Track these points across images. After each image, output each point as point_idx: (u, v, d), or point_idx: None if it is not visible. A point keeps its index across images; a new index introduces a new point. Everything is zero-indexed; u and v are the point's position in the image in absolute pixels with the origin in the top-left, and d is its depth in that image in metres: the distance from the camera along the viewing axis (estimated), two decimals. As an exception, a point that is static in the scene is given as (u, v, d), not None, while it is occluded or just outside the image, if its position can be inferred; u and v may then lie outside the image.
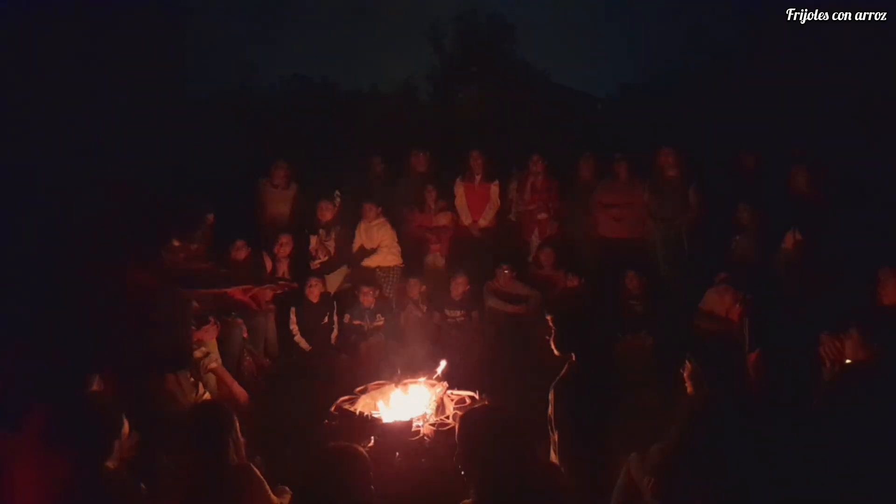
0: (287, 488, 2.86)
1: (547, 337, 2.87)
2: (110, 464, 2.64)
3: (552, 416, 2.66)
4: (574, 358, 2.76)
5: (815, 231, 5.27)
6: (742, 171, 6.26)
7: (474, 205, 6.83)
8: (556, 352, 2.83)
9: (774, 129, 7.14)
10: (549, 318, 2.83)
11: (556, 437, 2.62)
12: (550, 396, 2.72)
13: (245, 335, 5.40)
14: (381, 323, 6.17)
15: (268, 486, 2.65)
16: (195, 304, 4.09)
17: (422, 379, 4.38)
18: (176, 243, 3.67)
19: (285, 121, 11.14)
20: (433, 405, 4.10)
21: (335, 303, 6.26)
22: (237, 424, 2.73)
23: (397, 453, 3.71)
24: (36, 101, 5.43)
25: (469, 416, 2.47)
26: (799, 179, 5.77)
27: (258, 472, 2.65)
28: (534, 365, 5.40)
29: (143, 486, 2.70)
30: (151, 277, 3.45)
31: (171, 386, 3.54)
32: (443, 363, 4.39)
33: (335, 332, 6.16)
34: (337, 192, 6.57)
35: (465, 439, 2.34)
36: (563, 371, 2.76)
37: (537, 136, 9.56)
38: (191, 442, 2.67)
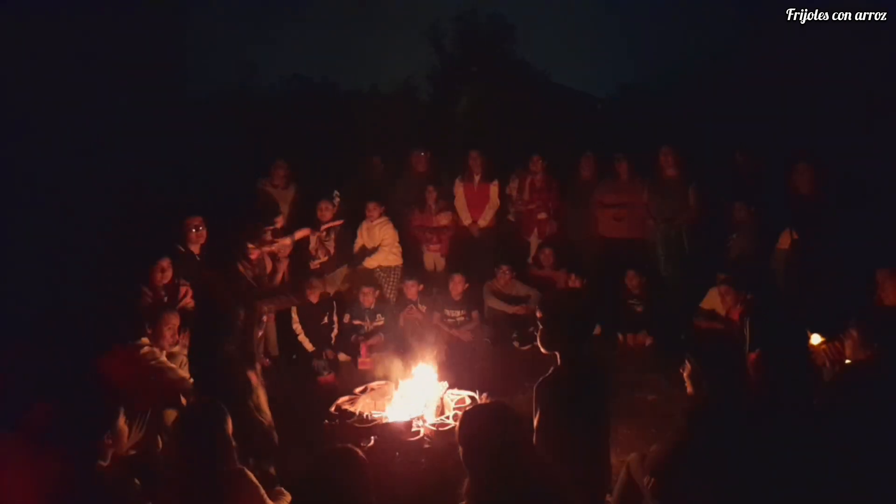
0: (285, 491, 2.85)
1: (535, 332, 2.84)
2: (102, 462, 2.63)
3: (533, 417, 2.65)
4: (559, 357, 2.74)
5: (815, 231, 5.26)
6: (741, 171, 6.26)
7: (473, 205, 6.83)
8: (542, 349, 2.81)
9: (774, 129, 7.14)
10: (538, 314, 2.80)
11: (535, 436, 2.60)
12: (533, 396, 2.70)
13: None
14: (381, 323, 6.18)
15: (263, 491, 2.61)
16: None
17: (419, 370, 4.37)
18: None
19: (285, 121, 11.13)
20: (433, 405, 4.11)
21: (335, 303, 6.26)
22: (229, 427, 2.66)
23: (397, 453, 3.71)
24: (36, 101, 5.43)
25: (470, 414, 2.46)
26: (799, 179, 5.77)
27: (252, 477, 2.61)
28: (533, 364, 5.42)
29: (137, 481, 2.68)
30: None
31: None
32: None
33: (335, 332, 6.15)
34: (337, 192, 6.56)
35: (467, 438, 2.33)
36: (549, 371, 2.74)
37: (537, 136, 9.54)
38: (181, 445, 2.63)
